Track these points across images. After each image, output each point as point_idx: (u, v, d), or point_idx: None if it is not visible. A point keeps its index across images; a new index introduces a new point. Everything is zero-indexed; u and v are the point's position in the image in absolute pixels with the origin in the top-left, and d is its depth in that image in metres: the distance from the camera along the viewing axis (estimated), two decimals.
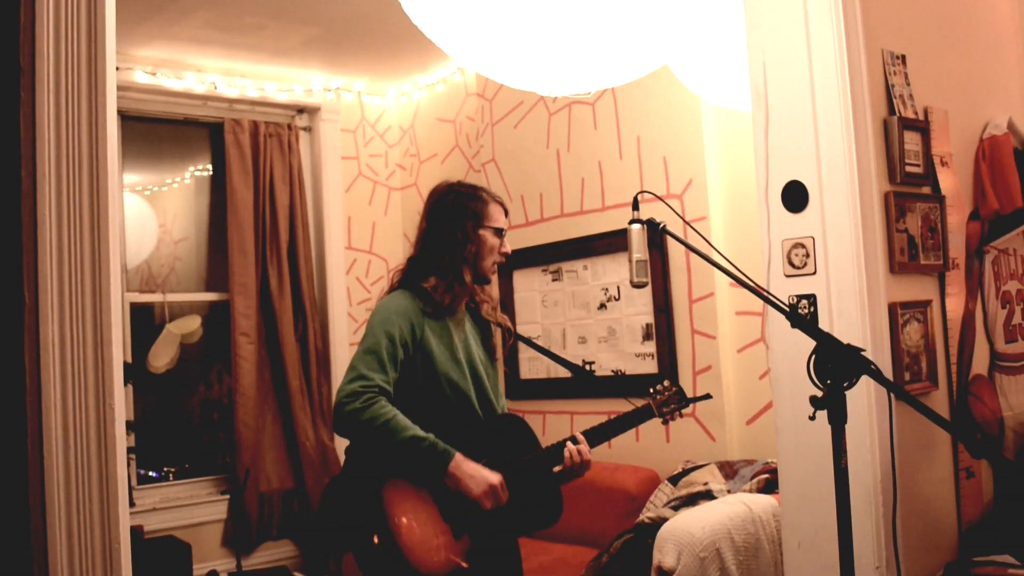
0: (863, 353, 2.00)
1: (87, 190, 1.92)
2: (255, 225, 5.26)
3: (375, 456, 2.46)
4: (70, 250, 1.89)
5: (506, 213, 2.74)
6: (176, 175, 5.49)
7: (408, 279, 2.67)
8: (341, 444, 5.20)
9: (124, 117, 5.02)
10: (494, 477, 2.46)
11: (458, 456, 2.43)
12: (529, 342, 3.03)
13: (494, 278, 2.79)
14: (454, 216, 2.65)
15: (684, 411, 2.80)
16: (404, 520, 2.41)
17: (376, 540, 2.38)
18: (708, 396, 2.93)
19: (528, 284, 5.04)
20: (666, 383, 2.78)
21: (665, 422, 2.75)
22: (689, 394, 2.81)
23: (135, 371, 4.93)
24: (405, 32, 3.35)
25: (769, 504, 3.33)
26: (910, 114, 2.78)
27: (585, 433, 2.63)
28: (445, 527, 2.46)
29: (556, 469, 2.59)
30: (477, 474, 2.44)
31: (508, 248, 2.72)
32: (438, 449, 2.42)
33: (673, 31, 2.85)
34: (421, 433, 2.41)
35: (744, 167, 4.01)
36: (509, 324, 2.85)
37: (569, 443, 2.58)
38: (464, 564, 2.43)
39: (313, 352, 5.39)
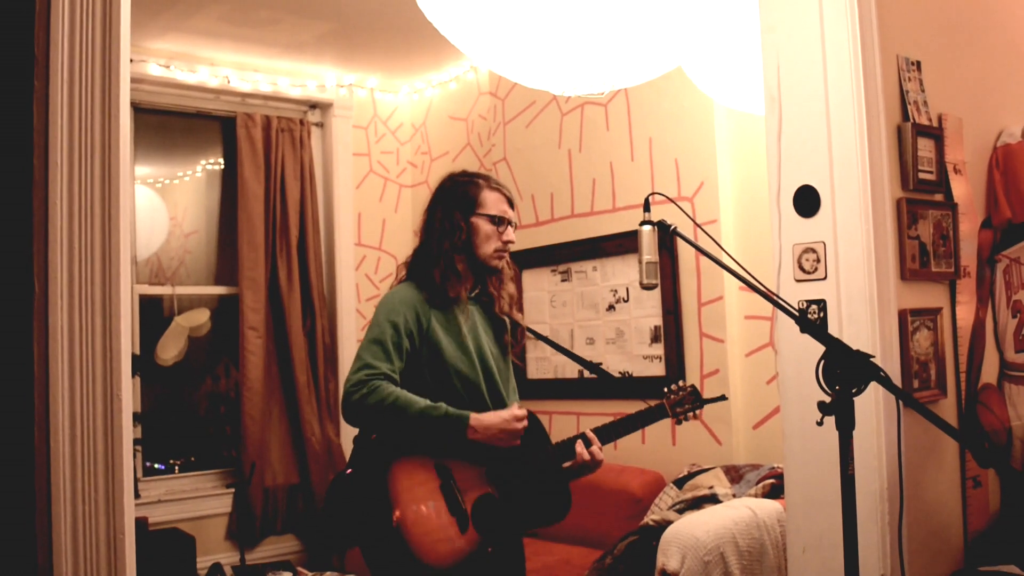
0: (872, 359, 1.99)
1: (99, 181, 1.92)
2: (265, 219, 5.27)
3: (391, 440, 2.46)
4: (81, 240, 1.89)
5: (510, 203, 2.69)
6: (187, 168, 5.50)
7: (413, 270, 2.67)
8: (347, 440, 5.22)
9: (137, 109, 5.03)
10: (507, 416, 2.50)
11: (473, 416, 2.46)
12: (546, 339, 3.00)
13: (510, 272, 2.76)
14: (447, 204, 2.65)
15: (697, 412, 2.77)
16: (410, 513, 2.41)
17: None
18: (723, 397, 2.89)
19: (537, 284, 5.04)
20: (681, 383, 2.75)
21: (679, 422, 2.73)
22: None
23: (143, 363, 4.95)
24: (419, 29, 3.36)
25: (774, 509, 3.32)
26: (924, 121, 2.77)
27: (596, 430, 2.62)
28: (451, 520, 2.45)
29: (566, 465, 2.59)
30: (498, 429, 2.48)
31: (511, 236, 2.66)
32: (451, 415, 2.44)
33: (687, 33, 2.84)
34: (431, 403, 2.43)
35: (756, 170, 4.00)
36: (522, 321, 2.83)
37: (581, 442, 2.58)
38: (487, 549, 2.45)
39: (321, 347, 5.40)
